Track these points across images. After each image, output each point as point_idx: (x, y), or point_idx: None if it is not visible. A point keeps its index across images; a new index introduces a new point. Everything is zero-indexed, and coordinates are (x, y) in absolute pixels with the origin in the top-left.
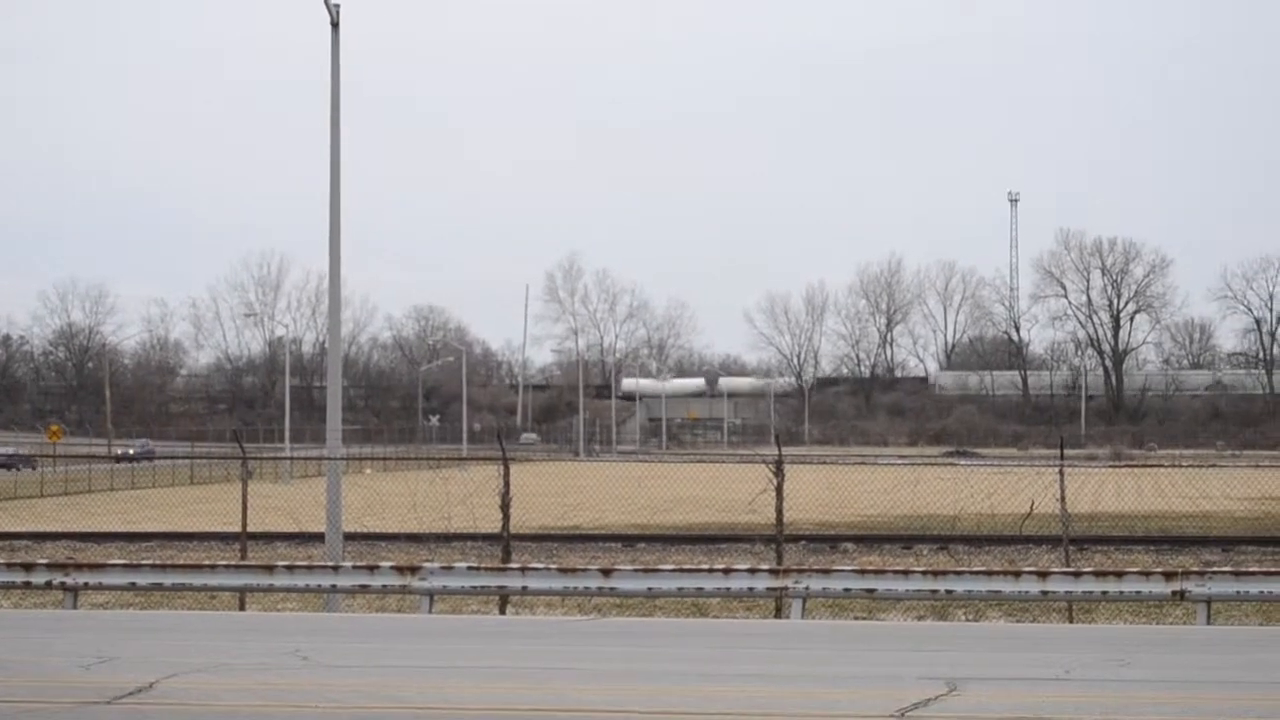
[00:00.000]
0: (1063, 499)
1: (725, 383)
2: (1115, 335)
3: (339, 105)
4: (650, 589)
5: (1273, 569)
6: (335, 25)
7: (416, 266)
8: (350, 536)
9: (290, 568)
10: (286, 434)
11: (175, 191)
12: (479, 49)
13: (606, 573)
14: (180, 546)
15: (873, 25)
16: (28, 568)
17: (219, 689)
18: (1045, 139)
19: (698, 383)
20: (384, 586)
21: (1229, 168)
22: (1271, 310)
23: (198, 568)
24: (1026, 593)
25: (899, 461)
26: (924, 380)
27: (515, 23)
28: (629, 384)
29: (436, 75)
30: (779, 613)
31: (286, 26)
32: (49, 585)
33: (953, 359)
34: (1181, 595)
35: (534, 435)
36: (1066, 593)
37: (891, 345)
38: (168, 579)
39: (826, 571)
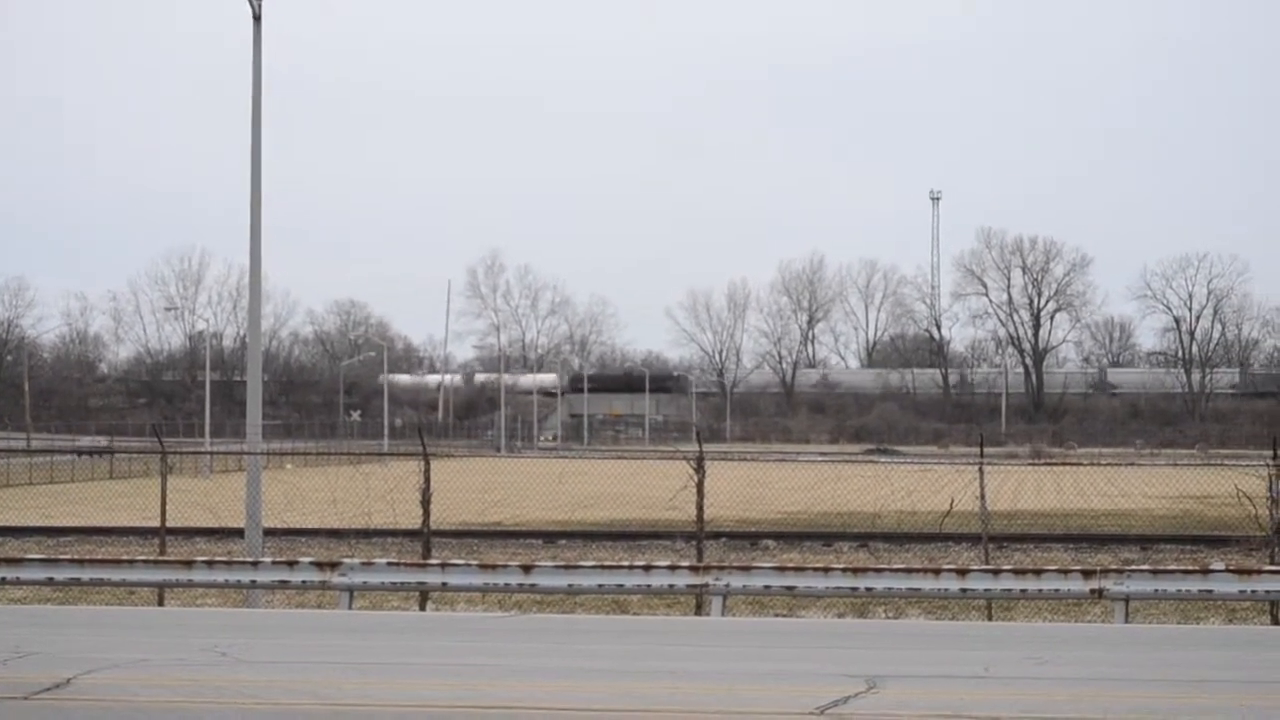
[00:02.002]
0: (982, 497)
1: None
2: (1035, 334)
3: (260, 100)
4: (571, 585)
5: (1190, 567)
6: (258, 18)
7: (339, 261)
8: (270, 532)
9: (209, 563)
10: (207, 429)
11: (96, 182)
12: (401, 44)
13: (527, 569)
14: (99, 541)
15: (795, 27)
16: None
17: (137, 684)
18: (967, 138)
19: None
20: (304, 582)
21: (1149, 167)
22: (1190, 309)
23: (116, 563)
24: (946, 590)
25: (820, 458)
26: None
27: (439, 19)
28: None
29: (358, 68)
30: (699, 610)
31: (208, 16)
32: None
33: (874, 356)
34: (1100, 594)
35: (490, 434)
36: (985, 591)
37: (813, 343)
38: (86, 574)
39: (747, 569)
